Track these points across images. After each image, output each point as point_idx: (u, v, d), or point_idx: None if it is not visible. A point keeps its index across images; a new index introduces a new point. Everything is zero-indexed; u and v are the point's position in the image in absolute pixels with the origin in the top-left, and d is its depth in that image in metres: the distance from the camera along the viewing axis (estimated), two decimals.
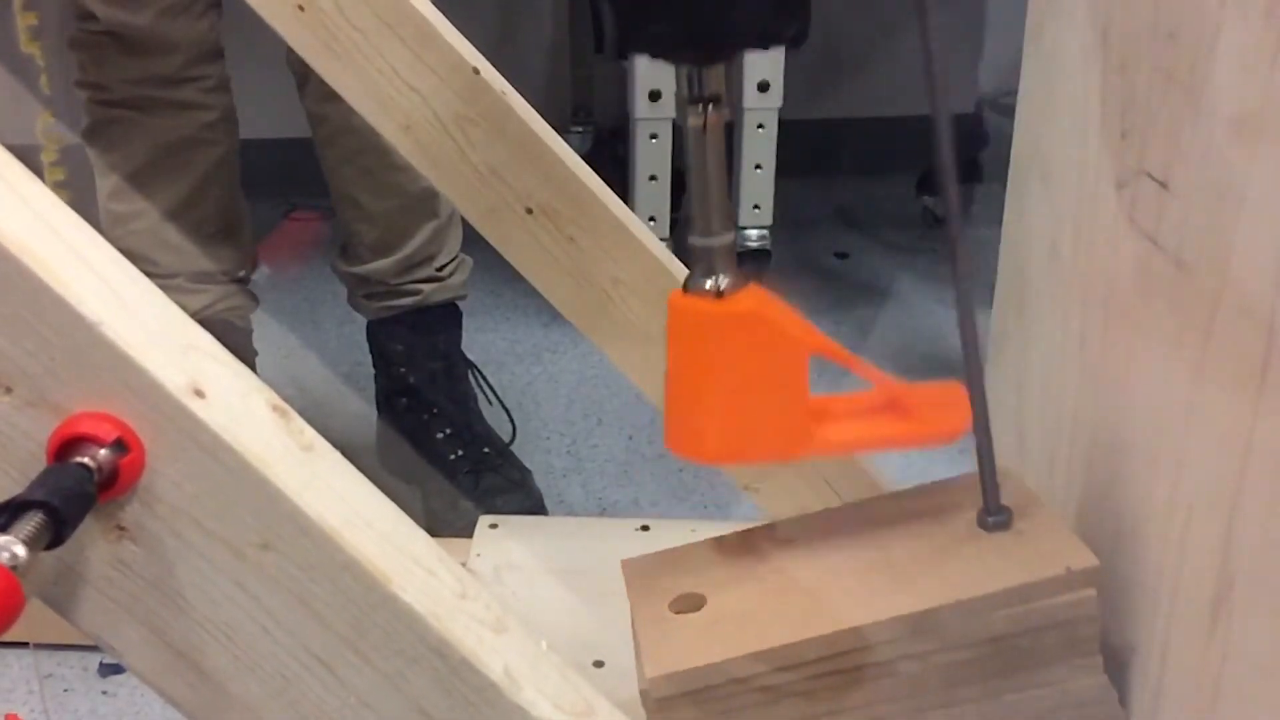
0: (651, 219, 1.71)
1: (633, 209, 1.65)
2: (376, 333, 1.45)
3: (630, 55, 0.57)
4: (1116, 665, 0.72)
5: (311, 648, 0.44)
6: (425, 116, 0.93)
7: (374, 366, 1.47)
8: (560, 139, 0.94)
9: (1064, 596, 0.62)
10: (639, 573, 0.61)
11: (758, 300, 0.59)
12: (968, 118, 2.07)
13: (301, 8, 0.90)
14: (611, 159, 1.99)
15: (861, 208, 2.20)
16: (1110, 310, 0.71)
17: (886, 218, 2.13)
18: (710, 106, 0.58)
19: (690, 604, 0.58)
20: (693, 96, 0.58)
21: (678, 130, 0.67)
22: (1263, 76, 0.52)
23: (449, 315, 1.44)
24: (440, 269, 1.40)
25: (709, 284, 0.58)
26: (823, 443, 0.62)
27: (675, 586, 0.59)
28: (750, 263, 1.73)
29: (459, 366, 1.45)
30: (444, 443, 1.39)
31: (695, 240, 0.59)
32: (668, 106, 1.59)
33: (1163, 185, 0.64)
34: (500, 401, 1.47)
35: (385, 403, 1.46)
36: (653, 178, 1.72)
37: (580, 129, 2.19)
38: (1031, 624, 0.62)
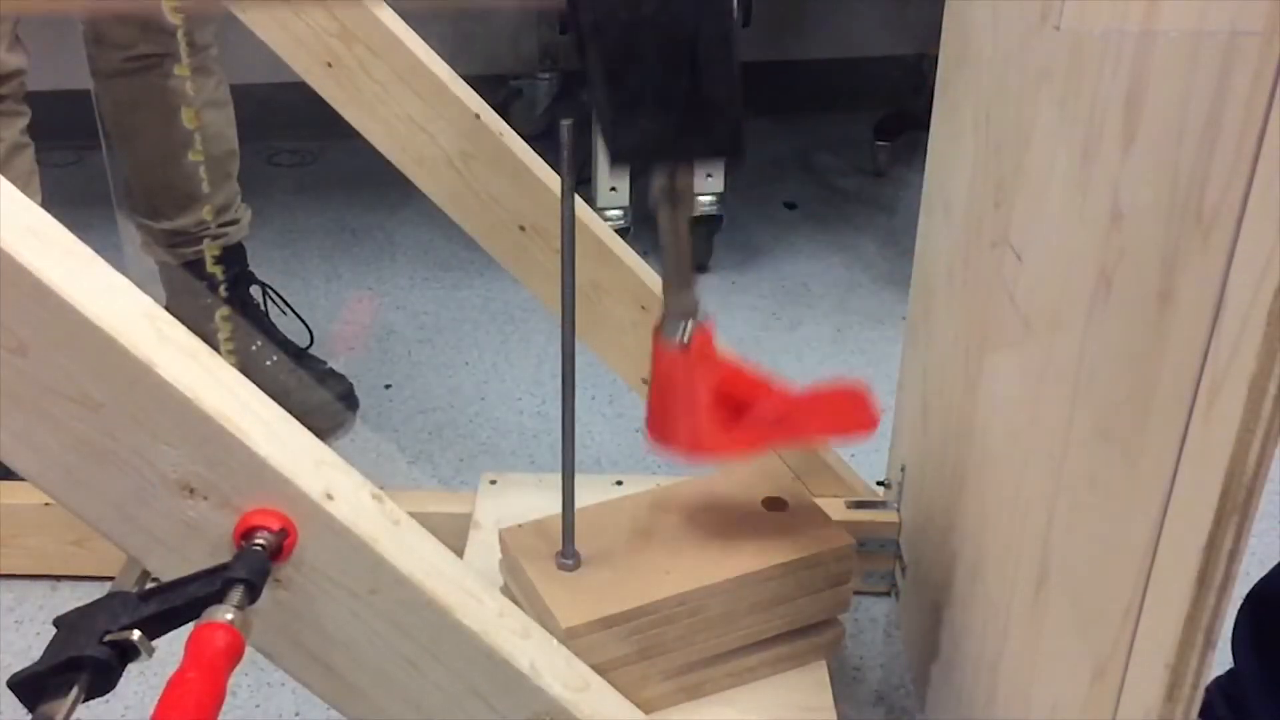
0: (613, 189, 1.80)
1: (594, 171, 1.75)
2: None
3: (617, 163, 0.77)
4: (969, 637, 0.87)
5: (404, 653, 0.65)
6: (435, 154, 1.10)
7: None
8: (548, 169, 1.13)
9: (841, 565, 0.91)
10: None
11: (705, 343, 0.84)
12: (913, 62, 2.15)
13: (330, 64, 1.07)
14: (578, 103, 2.08)
15: (818, 152, 2.23)
16: (984, 337, 0.83)
17: (841, 164, 2.15)
18: (678, 201, 0.79)
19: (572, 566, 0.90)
20: (664, 190, 0.78)
21: None
22: (1079, 175, 0.64)
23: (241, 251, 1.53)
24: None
25: (677, 335, 0.83)
26: (767, 438, 0.90)
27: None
28: (703, 225, 1.80)
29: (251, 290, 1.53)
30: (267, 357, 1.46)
31: (670, 306, 0.83)
32: None
33: (1018, 257, 0.76)
34: (294, 311, 1.53)
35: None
36: None
37: (547, 75, 2.23)
38: (814, 586, 0.92)
